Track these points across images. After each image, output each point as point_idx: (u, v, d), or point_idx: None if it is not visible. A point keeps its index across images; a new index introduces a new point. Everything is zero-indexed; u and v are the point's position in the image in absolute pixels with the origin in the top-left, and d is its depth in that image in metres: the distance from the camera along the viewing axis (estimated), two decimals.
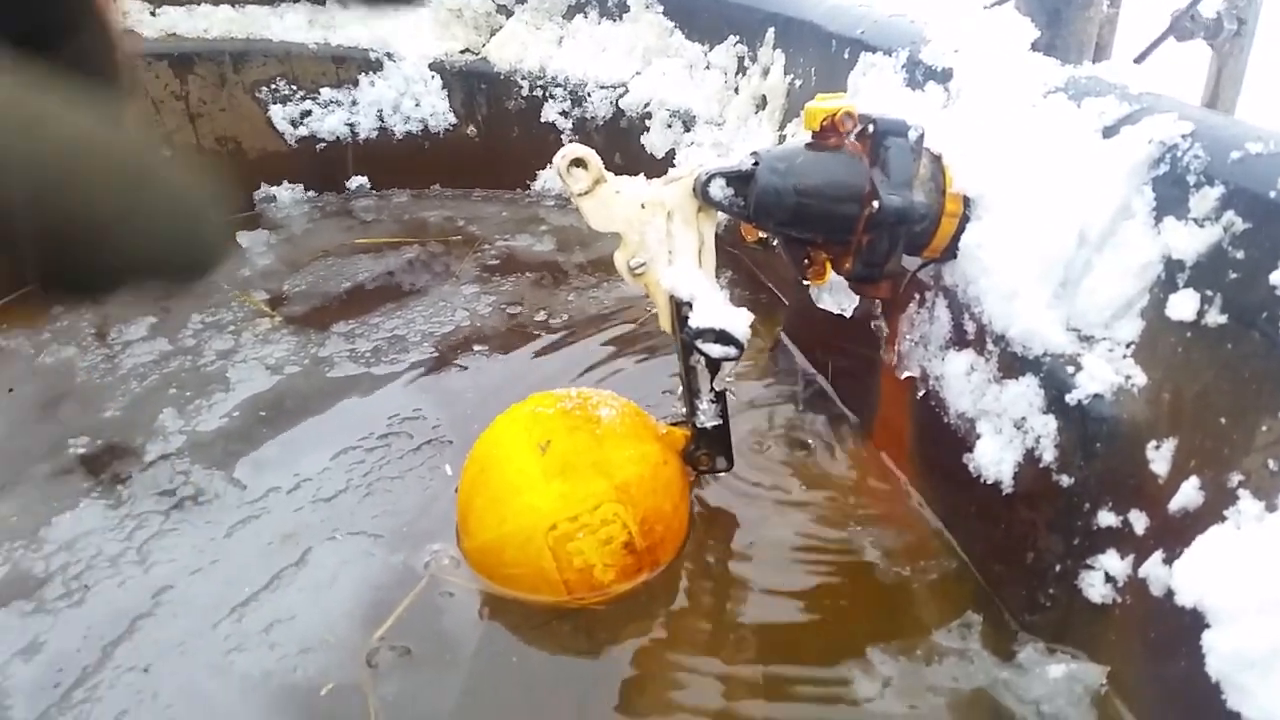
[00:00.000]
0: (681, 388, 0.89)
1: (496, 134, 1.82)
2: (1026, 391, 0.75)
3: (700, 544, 0.88)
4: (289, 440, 1.05)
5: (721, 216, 0.85)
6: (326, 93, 1.74)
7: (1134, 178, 0.71)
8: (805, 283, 0.92)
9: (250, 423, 1.08)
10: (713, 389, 0.87)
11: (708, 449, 0.90)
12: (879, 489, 0.95)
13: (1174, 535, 0.62)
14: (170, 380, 1.16)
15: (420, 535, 0.89)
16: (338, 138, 1.75)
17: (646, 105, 1.65)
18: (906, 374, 0.93)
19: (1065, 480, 0.71)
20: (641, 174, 0.85)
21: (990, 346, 0.80)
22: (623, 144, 1.67)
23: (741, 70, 1.51)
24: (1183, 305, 0.65)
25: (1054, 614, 0.73)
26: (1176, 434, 0.64)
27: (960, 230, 0.82)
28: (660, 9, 1.70)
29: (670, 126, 1.61)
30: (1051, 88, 0.83)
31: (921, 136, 0.82)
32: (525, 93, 1.77)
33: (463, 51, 1.82)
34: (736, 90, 1.50)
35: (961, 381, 0.83)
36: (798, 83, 1.33)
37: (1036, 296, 0.75)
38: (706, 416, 0.88)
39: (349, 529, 0.91)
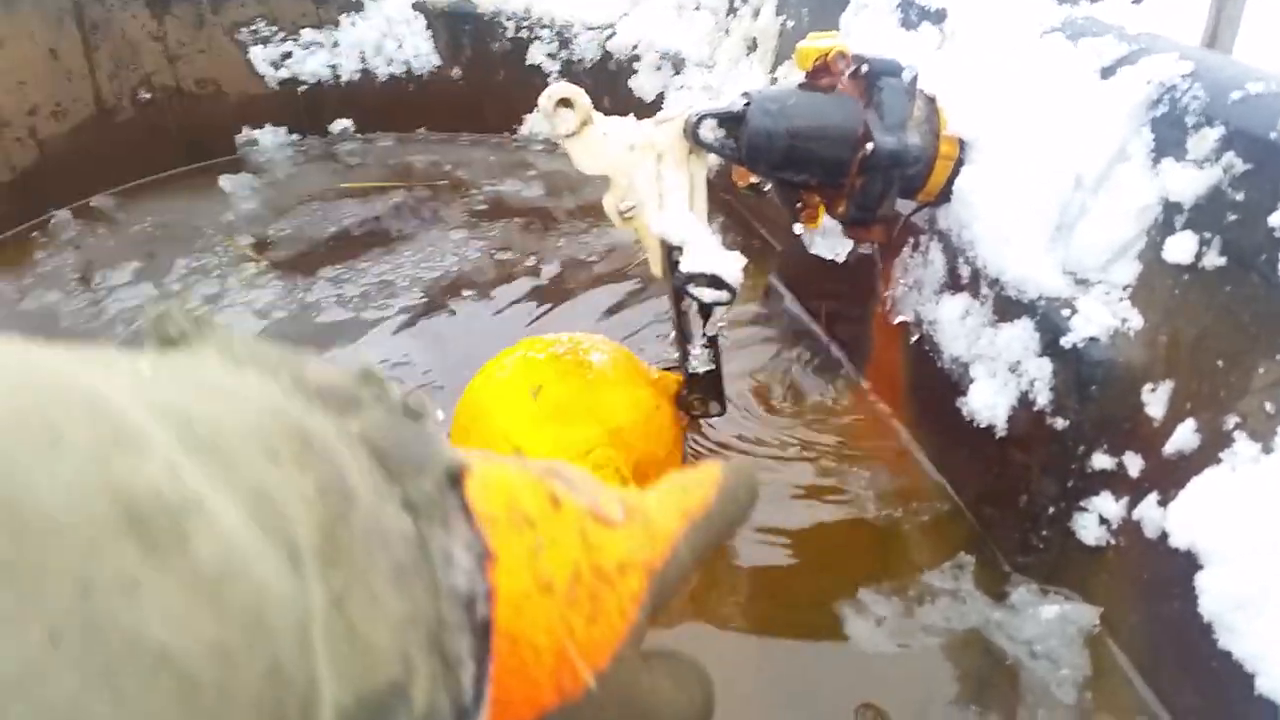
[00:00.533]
0: (673, 332, 0.88)
1: (482, 77, 1.78)
2: (1021, 335, 0.75)
3: None
4: None
5: (713, 159, 0.84)
6: (307, 34, 1.70)
7: (1132, 119, 0.70)
8: (798, 227, 0.91)
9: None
10: (705, 334, 0.87)
11: (700, 394, 0.90)
12: (872, 433, 0.95)
13: (1169, 478, 0.63)
14: None
15: None
16: (320, 80, 1.72)
17: (635, 47, 1.62)
18: (900, 318, 0.92)
19: (1060, 423, 0.71)
20: (631, 116, 0.84)
21: (985, 290, 0.80)
22: (611, 87, 1.65)
23: (732, 11, 1.49)
24: (1180, 248, 0.65)
25: (1047, 556, 0.73)
26: (1173, 377, 0.64)
27: (955, 173, 0.82)
28: None
29: (659, 69, 1.58)
30: (1048, 28, 0.82)
31: (916, 78, 0.81)
32: (510, 34, 1.74)
33: None
34: (727, 32, 1.48)
35: (956, 326, 0.83)
36: (789, 24, 1.31)
37: (1032, 240, 0.75)
38: (699, 361, 0.88)
39: None
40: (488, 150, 1.76)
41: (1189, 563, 0.57)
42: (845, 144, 0.79)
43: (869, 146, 0.78)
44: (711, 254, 0.82)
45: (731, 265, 0.82)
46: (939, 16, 0.94)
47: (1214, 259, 0.62)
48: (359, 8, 1.72)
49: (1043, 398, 0.72)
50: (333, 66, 1.72)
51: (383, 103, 1.76)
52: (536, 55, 1.73)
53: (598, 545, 0.30)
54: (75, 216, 1.40)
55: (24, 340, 0.17)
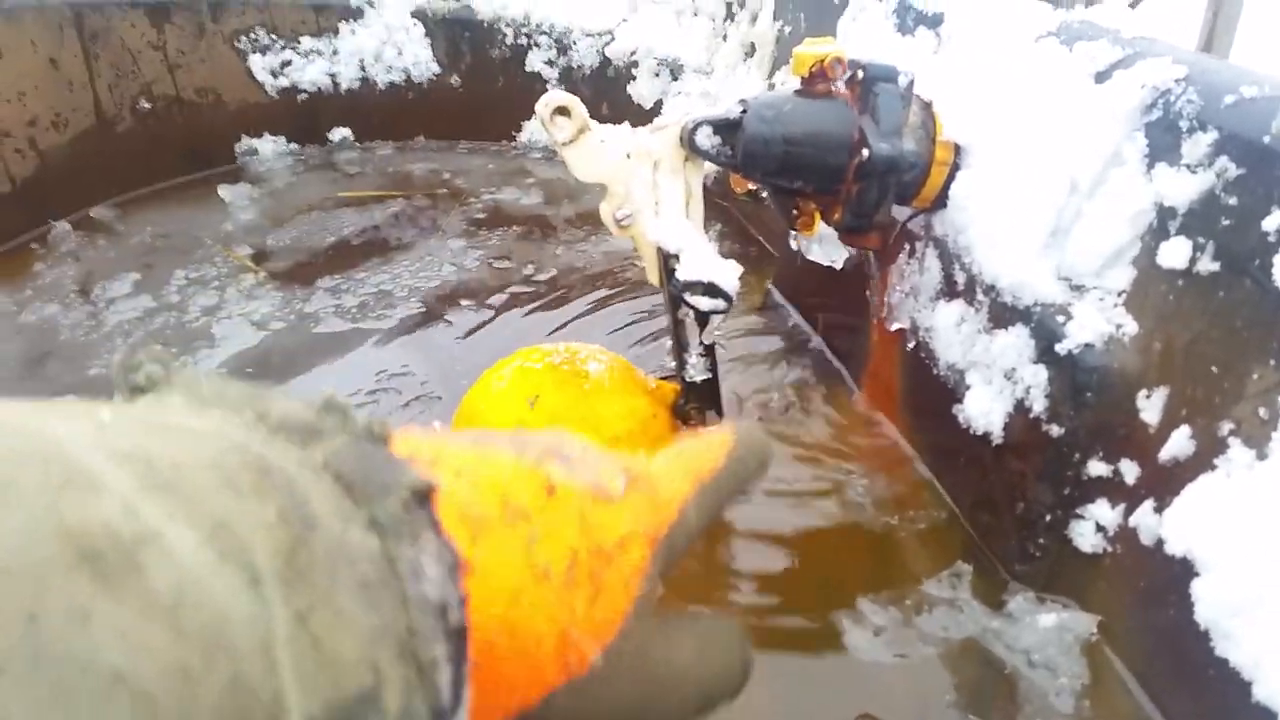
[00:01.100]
0: (670, 341, 0.88)
1: (481, 84, 1.79)
2: (1016, 342, 0.74)
3: None
4: None
5: (710, 167, 0.84)
6: (307, 42, 1.71)
7: (1126, 124, 0.70)
8: (794, 234, 0.91)
9: (237, 379, 1.07)
10: (702, 342, 0.87)
11: (697, 402, 0.90)
12: (869, 440, 0.95)
13: (1164, 484, 0.62)
14: (155, 337, 1.15)
15: None
16: (319, 88, 1.72)
17: (633, 54, 1.62)
18: (896, 326, 0.92)
19: (1055, 430, 0.71)
20: (627, 123, 0.84)
21: (980, 297, 0.79)
22: (610, 93, 1.65)
23: (730, 16, 1.49)
24: (1174, 253, 0.64)
25: (1044, 564, 0.73)
26: (1167, 383, 0.64)
27: (950, 179, 0.82)
28: None
29: (658, 75, 1.59)
30: (1043, 32, 0.81)
31: (912, 83, 0.81)
32: (509, 41, 1.74)
33: None
34: (725, 37, 1.48)
35: (951, 332, 0.82)
36: (787, 29, 1.31)
37: (1027, 246, 0.75)
38: (696, 370, 0.87)
39: None
40: (487, 158, 1.76)
41: (1185, 570, 0.57)
42: (841, 150, 0.79)
43: (864, 152, 0.77)
44: (708, 262, 0.82)
45: (728, 273, 0.81)
46: (935, 21, 0.94)
47: (1208, 264, 0.62)
48: (359, 15, 1.72)
49: (1038, 405, 0.72)
50: (332, 75, 1.72)
51: (382, 111, 1.77)
52: (535, 62, 1.73)
53: (597, 524, 0.31)
54: (75, 227, 1.41)
55: None
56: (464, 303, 1.23)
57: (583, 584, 0.29)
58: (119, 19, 1.51)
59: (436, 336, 1.16)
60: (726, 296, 0.81)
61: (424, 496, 0.25)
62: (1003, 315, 0.76)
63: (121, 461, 0.18)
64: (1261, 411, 0.56)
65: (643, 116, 1.53)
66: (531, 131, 1.78)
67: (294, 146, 1.75)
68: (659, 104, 1.57)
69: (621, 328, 1.17)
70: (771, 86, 1.30)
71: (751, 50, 1.38)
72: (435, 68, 1.77)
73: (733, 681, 0.36)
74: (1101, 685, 0.66)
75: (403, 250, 1.38)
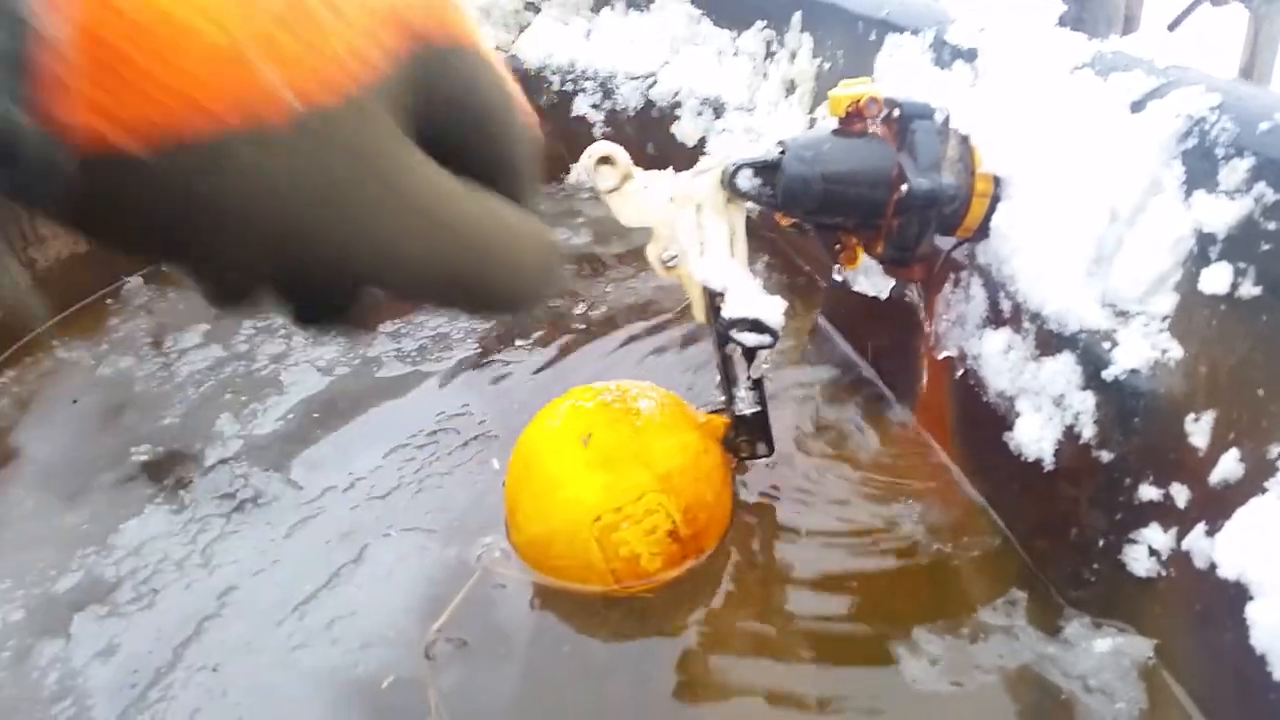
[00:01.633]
0: (719, 377, 0.90)
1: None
2: (1064, 368, 0.75)
3: (744, 530, 0.90)
4: (342, 440, 1.08)
5: (752, 205, 0.86)
6: None
7: (1163, 152, 0.71)
8: (838, 267, 0.92)
9: (304, 424, 1.11)
10: (749, 376, 0.88)
11: (747, 436, 0.92)
12: (922, 469, 0.96)
13: (1215, 508, 0.63)
14: (226, 386, 1.20)
15: (471, 529, 0.92)
16: None
17: (676, 94, 1.65)
18: (944, 354, 0.93)
19: (1105, 456, 0.71)
20: (671, 165, 0.86)
21: (1026, 324, 0.80)
22: (654, 134, 1.68)
23: (769, 55, 1.51)
24: (1216, 278, 0.65)
25: (1099, 589, 0.73)
26: (1214, 407, 0.65)
27: (991, 210, 0.83)
28: None
29: (700, 114, 1.61)
30: (1078, 63, 0.83)
31: (948, 118, 0.83)
32: (556, 88, 1.79)
33: (493, 50, 1.84)
34: (765, 75, 1.50)
35: (999, 360, 0.83)
36: (826, 65, 1.33)
37: (1070, 274, 0.76)
38: (744, 404, 0.89)
39: (403, 525, 0.93)
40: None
41: (1239, 593, 0.57)
42: (880, 186, 0.81)
43: (903, 188, 0.79)
44: (753, 299, 0.84)
45: (773, 309, 0.83)
46: (971, 55, 0.96)
47: (1249, 288, 0.62)
48: None
49: (1088, 430, 0.73)
50: None
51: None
52: (581, 106, 1.77)
53: None
54: (146, 282, 1.47)
55: None
56: (519, 342, 1.26)
57: (297, 24, 0.24)
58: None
59: (493, 376, 1.19)
60: (772, 332, 0.83)
61: None
62: (1049, 342, 0.77)
63: None
64: None
65: (687, 155, 1.56)
66: (579, 173, 1.82)
67: None
68: (703, 142, 1.60)
69: (674, 361, 1.19)
70: (812, 122, 1.33)
71: (792, 87, 1.41)
72: None
73: (540, 273, 0.32)
74: (1159, 710, 0.66)
75: None
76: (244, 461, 1.05)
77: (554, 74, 1.78)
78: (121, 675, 0.79)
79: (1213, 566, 0.61)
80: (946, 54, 1.00)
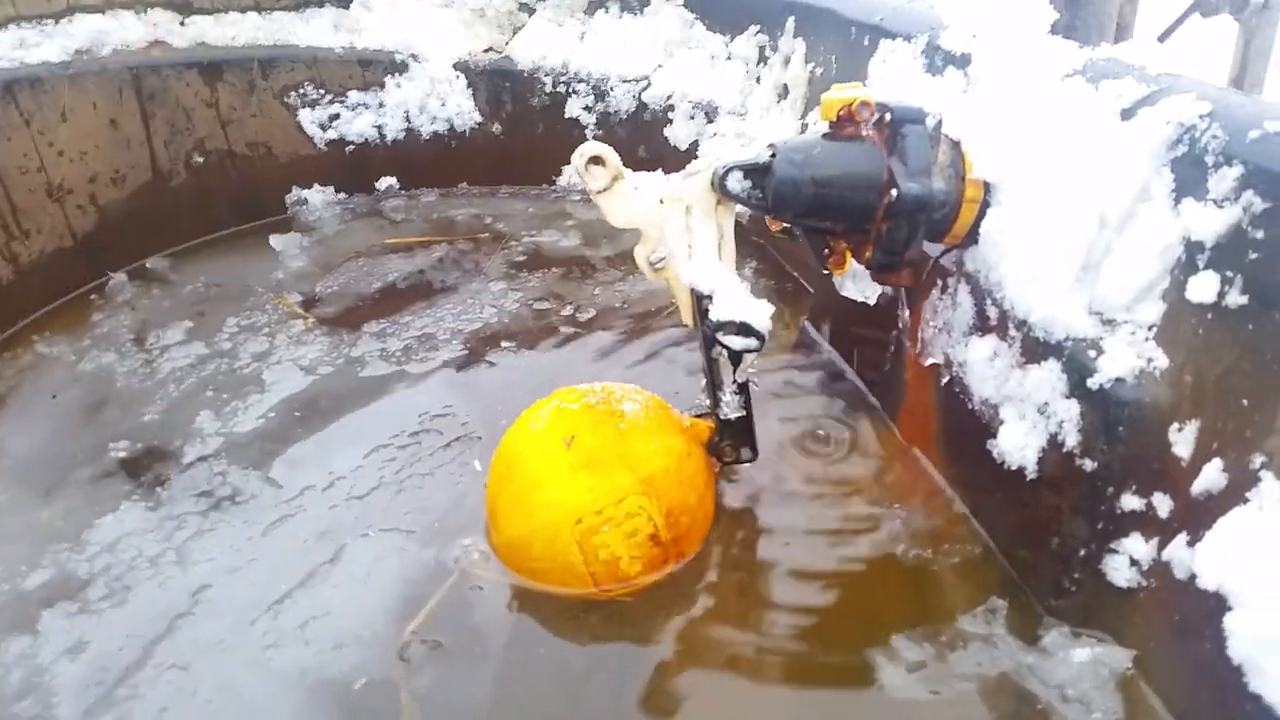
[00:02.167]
0: (705, 380, 0.89)
1: (521, 131, 1.83)
2: (1049, 376, 0.75)
3: (726, 534, 0.89)
4: (323, 440, 1.07)
5: (741, 209, 0.85)
6: (354, 95, 1.76)
7: (1153, 159, 0.70)
8: (826, 272, 0.92)
9: (285, 423, 1.10)
10: (735, 381, 0.88)
11: (732, 440, 0.91)
12: (905, 476, 0.95)
13: (1197, 518, 0.62)
14: (207, 383, 1.19)
15: (451, 531, 0.91)
16: (366, 140, 1.77)
17: (669, 98, 1.65)
18: (930, 361, 0.93)
19: (1089, 465, 0.71)
20: (663, 168, 0.86)
21: (1013, 332, 0.80)
22: (646, 137, 1.68)
23: (762, 60, 1.51)
24: (1203, 287, 0.64)
25: (1079, 598, 0.73)
26: (1198, 416, 0.64)
27: (981, 216, 0.82)
28: (680, 1, 1.70)
29: (693, 118, 1.61)
30: (1069, 71, 0.82)
31: (939, 123, 0.82)
32: (549, 89, 1.78)
33: (486, 51, 1.83)
34: (758, 80, 1.50)
35: (985, 367, 0.83)
36: (819, 71, 1.33)
37: (1058, 281, 0.75)
38: (730, 408, 0.89)
39: (382, 526, 0.92)
40: (527, 202, 1.79)
41: (1218, 604, 0.57)
42: (869, 190, 0.80)
43: (893, 192, 0.79)
44: (740, 302, 0.83)
45: (760, 313, 0.83)
46: (964, 61, 0.95)
47: (1236, 298, 0.62)
48: (404, 69, 1.77)
49: (1071, 439, 0.72)
50: (379, 126, 1.77)
51: (426, 159, 1.81)
52: (574, 109, 1.77)
53: None
54: (131, 278, 1.46)
55: None
56: (505, 344, 1.25)
57: None
58: (174, 79, 1.57)
59: (478, 377, 1.19)
60: (759, 336, 0.83)
61: None
62: (1035, 350, 0.77)
63: None
64: None
65: (679, 158, 1.55)
66: (570, 175, 1.81)
67: (342, 196, 1.80)
68: (695, 145, 1.59)
69: (660, 364, 1.18)
70: (804, 127, 1.32)
71: (784, 92, 1.40)
72: (477, 117, 1.81)
73: None
74: None
75: (446, 293, 1.41)
76: (223, 459, 1.04)
77: (547, 76, 1.78)
78: (89, 673, 0.78)
79: (1193, 577, 0.60)
80: (939, 60, 1.00)
